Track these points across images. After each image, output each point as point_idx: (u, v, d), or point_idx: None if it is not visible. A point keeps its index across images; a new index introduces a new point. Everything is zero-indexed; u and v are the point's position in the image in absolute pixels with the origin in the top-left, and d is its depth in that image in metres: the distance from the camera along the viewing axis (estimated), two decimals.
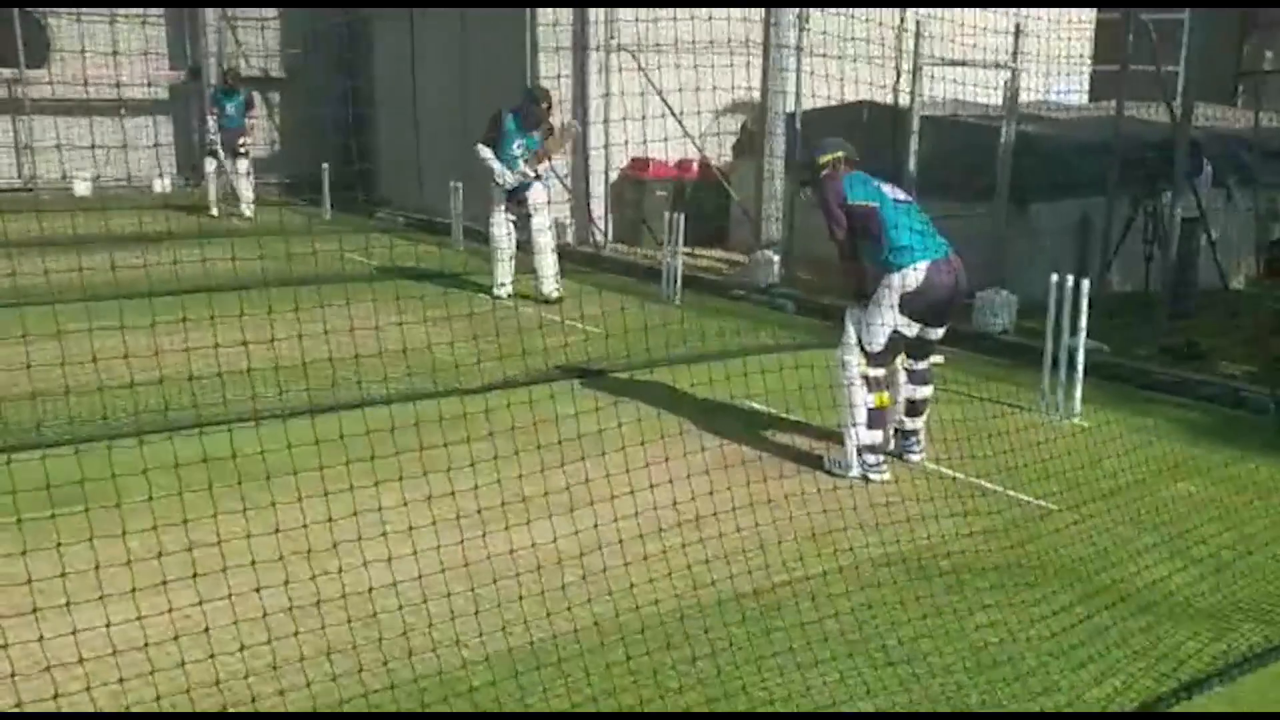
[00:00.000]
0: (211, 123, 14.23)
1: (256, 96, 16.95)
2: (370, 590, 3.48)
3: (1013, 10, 9.85)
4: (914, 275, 5.17)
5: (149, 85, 16.25)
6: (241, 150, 14.32)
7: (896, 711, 3.27)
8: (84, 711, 3.02)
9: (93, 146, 15.59)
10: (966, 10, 9.25)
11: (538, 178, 9.44)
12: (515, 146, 9.23)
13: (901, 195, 5.41)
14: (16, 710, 2.97)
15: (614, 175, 12.46)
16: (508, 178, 9.24)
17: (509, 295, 9.39)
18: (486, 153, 9.24)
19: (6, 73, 16.15)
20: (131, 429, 5.09)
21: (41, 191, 15.59)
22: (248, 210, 14.23)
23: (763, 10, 10.29)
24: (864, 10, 9.03)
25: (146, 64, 16.20)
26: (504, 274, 9.46)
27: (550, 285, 9.39)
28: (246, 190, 14.36)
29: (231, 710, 3.13)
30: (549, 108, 9.34)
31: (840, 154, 5.44)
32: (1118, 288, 9.02)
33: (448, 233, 12.59)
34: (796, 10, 10.00)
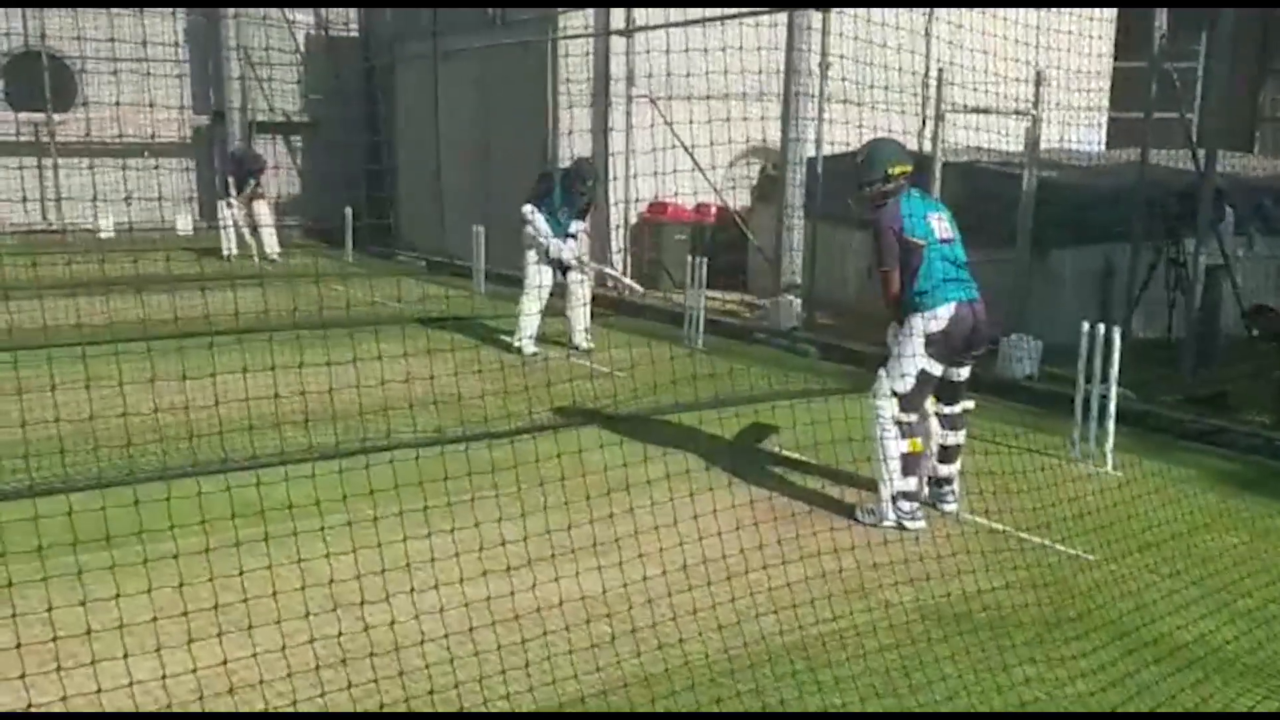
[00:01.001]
0: (230, 181, 14.50)
1: (274, 148, 17.28)
2: (422, 643, 3.48)
3: (1033, 59, 9.96)
4: (939, 318, 5.19)
5: (174, 131, 16.48)
6: (260, 194, 14.52)
7: (896, 712, 3.25)
8: (87, 712, 3.03)
9: (110, 196, 15.76)
10: (988, 58, 9.38)
11: (572, 236, 9.29)
12: (560, 212, 9.05)
13: (947, 232, 5.35)
14: None
15: (632, 218, 12.58)
16: (562, 250, 9.03)
17: (534, 353, 9.01)
18: (539, 220, 8.97)
19: (35, 117, 16.40)
20: (189, 474, 5.09)
21: (67, 233, 15.78)
22: (274, 255, 14.36)
23: (783, 58, 10.42)
24: (885, 58, 9.18)
25: (176, 110, 16.46)
26: (534, 326, 9.12)
27: (582, 336, 9.33)
28: (269, 238, 14.50)
29: None
30: (593, 185, 9.26)
31: (909, 166, 5.36)
32: (1141, 334, 9.03)
33: (469, 276, 12.68)
34: (817, 58, 10.13)
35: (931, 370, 5.24)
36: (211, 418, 4.33)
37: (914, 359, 5.20)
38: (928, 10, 12.04)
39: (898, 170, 5.31)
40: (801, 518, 5.07)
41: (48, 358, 4.60)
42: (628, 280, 9.16)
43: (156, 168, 15.87)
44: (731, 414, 6.66)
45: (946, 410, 5.48)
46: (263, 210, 14.60)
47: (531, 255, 9.14)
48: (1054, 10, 11.42)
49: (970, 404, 5.65)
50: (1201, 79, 10.22)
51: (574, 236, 9.23)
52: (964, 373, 5.45)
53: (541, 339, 9.33)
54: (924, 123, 10.39)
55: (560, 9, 12.59)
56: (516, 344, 9.14)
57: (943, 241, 5.30)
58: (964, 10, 10.14)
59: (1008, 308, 8.60)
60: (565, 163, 10.63)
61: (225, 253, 14.37)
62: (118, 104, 14.34)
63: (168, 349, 5.13)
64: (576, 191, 9.09)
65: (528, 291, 9.16)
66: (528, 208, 9.07)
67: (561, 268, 9.24)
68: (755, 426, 6.83)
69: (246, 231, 14.55)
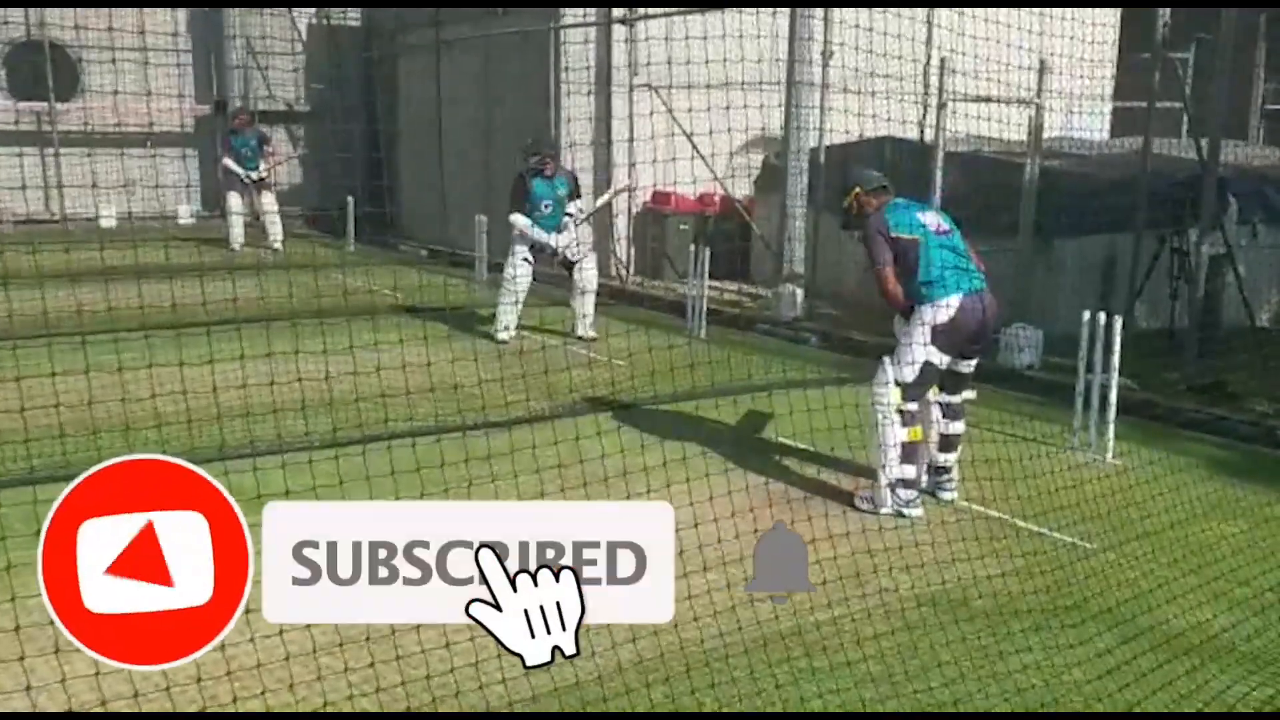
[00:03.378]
0: (231, 164, 14.37)
1: (278, 131, 17.21)
2: (418, 627, 3.49)
3: (1037, 47, 9.93)
4: (946, 309, 5.20)
5: (172, 120, 16.46)
6: (265, 183, 14.46)
7: (894, 711, 3.26)
8: (88, 712, 3.04)
9: (112, 185, 15.75)
10: (991, 45, 9.35)
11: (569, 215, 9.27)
12: (544, 206, 9.06)
13: (944, 225, 5.40)
14: None
15: (636, 208, 12.57)
16: (558, 240, 9.10)
17: (510, 339, 9.12)
18: (524, 222, 9.03)
19: (36, 106, 16.40)
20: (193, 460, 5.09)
21: (69, 223, 15.78)
22: (277, 244, 14.27)
23: (786, 46, 10.39)
24: (888, 46, 9.15)
25: (177, 99, 16.46)
26: (510, 317, 9.17)
27: (585, 325, 9.31)
28: (273, 226, 14.43)
29: None
30: (548, 150, 9.27)
31: (873, 185, 5.47)
32: (1143, 324, 9.02)
33: (471, 265, 12.67)
34: (820, 47, 10.10)
35: (936, 362, 5.24)
36: (210, 405, 4.35)
37: (919, 349, 5.20)
38: None
39: (874, 187, 5.46)
40: (799, 504, 5.08)
41: (48, 345, 4.62)
42: (623, 186, 9.27)
43: (154, 156, 15.86)
44: (730, 402, 6.67)
45: (948, 400, 5.48)
46: (267, 199, 14.53)
47: (514, 249, 9.16)
48: None
49: (972, 394, 5.66)
50: (1193, 68, 10.07)
51: (570, 215, 9.23)
52: (970, 365, 5.46)
53: (541, 327, 9.34)
54: (924, 111, 10.36)
55: (562, 6, 12.57)
56: (494, 332, 9.22)
57: (941, 233, 5.32)
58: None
59: (1010, 297, 8.59)
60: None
61: (235, 246, 14.23)
62: (116, 93, 14.31)
63: (167, 338, 5.15)
64: (546, 174, 9.08)
65: (505, 284, 9.22)
66: (513, 217, 9.09)
67: (567, 264, 9.23)
68: (754, 414, 6.84)
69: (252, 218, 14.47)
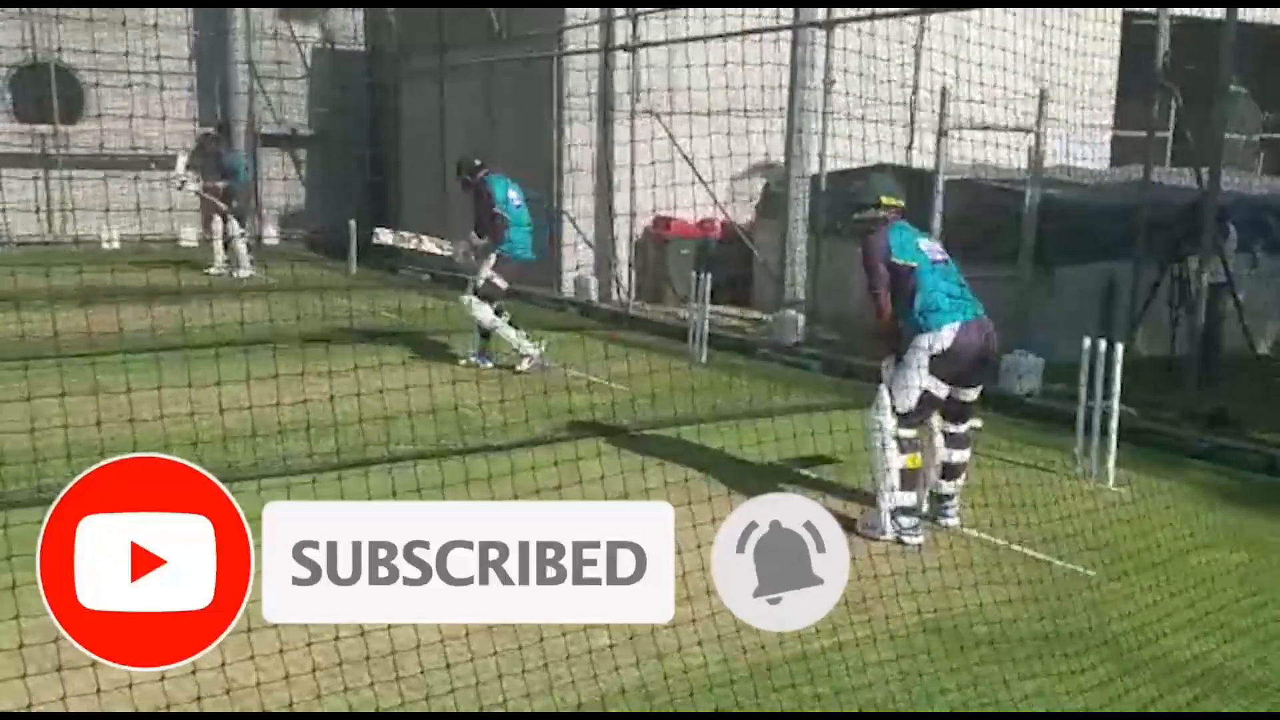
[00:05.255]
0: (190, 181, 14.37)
1: (275, 154, 17.30)
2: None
3: (1037, 76, 9.99)
4: (943, 337, 5.20)
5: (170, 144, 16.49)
6: (232, 211, 14.31)
7: (894, 711, 3.22)
8: (90, 712, 3.03)
9: (115, 208, 15.78)
10: (991, 73, 9.43)
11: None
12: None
13: (940, 255, 5.44)
14: None
15: (637, 233, 12.62)
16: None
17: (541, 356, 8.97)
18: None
19: (41, 129, 16.48)
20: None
21: (72, 245, 15.81)
22: (240, 271, 13.94)
23: (787, 73, 10.47)
24: (890, 73, 9.23)
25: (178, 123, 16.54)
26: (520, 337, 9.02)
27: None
28: (235, 253, 14.19)
29: None
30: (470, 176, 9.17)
31: (901, 201, 5.47)
32: (1143, 352, 9.02)
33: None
34: (821, 74, 10.18)
35: (935, 391, 5.23)
36: (191, 430, 4.37)
37: (917, 375, 5.20)
38: (931, 26, 12.12)
39: (890, 201, 5.43)
40: None
41: (57, 365, 4.63)
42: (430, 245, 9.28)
43: (161, 180, 15.88)
44: (732, 426, 6.67)
45: (953, 429, 5.48)
46: (232, 225, 14.36)
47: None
48: (1058, 27, 11.47)
49: (977, 423, 5.66)
50: (1180, 99, 10.07)
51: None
52: (972, 394, 5.45)
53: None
54: (925, 138, 10.43)
55: (566, 26, 12.66)
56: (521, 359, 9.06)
57: (937, 263, 5.35)
58: (968, 25, 10.20)
59: (1010, 324, 8.61)
60: (568, 174, 10.68)
61: (212, 268, 14.03)
62: (102, 115, 14.35)
63: (146, 360, 5.15)
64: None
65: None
66: None
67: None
68: (755, 439, 6.82)
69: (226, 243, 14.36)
